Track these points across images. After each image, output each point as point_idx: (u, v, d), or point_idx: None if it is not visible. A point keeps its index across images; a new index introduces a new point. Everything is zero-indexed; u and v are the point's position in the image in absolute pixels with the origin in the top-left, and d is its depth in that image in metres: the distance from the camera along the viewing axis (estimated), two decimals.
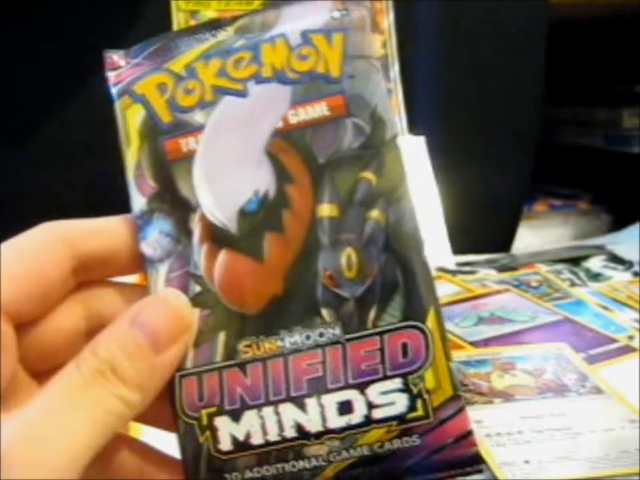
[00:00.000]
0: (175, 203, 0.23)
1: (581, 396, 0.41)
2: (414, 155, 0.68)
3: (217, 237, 0.23)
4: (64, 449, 0.19)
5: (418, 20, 0.70)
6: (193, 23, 0.64)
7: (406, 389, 0.22)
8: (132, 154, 0.24)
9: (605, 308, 0.55)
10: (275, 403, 0.23)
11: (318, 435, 0.22)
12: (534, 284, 0.60)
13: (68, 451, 0.19)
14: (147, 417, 0.23)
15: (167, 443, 0.24)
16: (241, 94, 0.23)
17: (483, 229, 0.71)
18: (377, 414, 0.22)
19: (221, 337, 0.23)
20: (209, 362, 0.23)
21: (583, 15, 0.80)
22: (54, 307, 0.23)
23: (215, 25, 0.24)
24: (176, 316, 0.22)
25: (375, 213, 0.23)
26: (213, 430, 0.23)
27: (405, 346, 0.23)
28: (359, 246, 0.23)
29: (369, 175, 0.23)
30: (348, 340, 0.23)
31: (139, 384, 0.21)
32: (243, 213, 0.23)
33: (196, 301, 0.23)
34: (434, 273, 0.62)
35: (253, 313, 0.23)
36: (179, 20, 0.64)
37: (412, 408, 0.22)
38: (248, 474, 0.23)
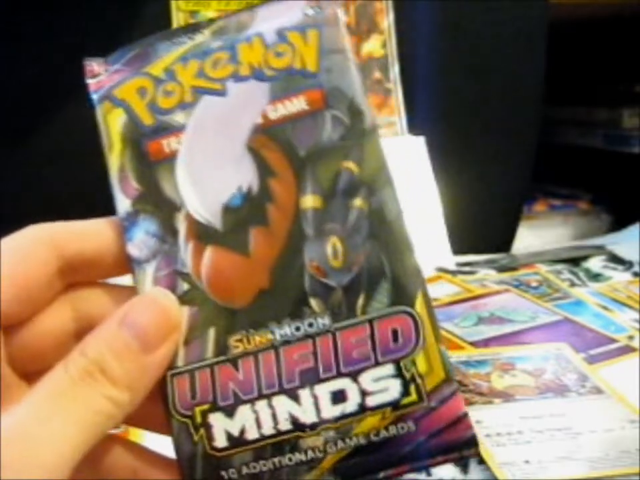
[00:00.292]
0: (159, 203, 0.24)
1: (581, 396, 0.41)
2: (414, 155, 0.68)
3: (202, 234, 0.23)
4: (52, 450, 0.19)
5: (418, 20, 0.70)
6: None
7: (398, 374, 0.22)
8: (115, 157, 0.24)
9: (605, 308, 0.55)
10: (268, 396, 0.23)
11: (313, 426, 0.22)
12: (534, 284, 0.60)
13: (56, 453, 0.19)
14: (137, 418, 0.23)
15: (164, 445, 0.24)
16: (220, 93, 0.24)
17: (483, 229, 0.71)
18: (371, 401, 0.22)
19: (211, 333, 0.23)
20: (200, 359, 0.23)
21: (583, 15, 0.80)
22: (42, 308, 0.23)
23: (192, 29, 0.25)
24: (164, 315, 0.22)
25: (358, 202, 0.23)
26: (207, 427, 0.23)
27: (395, 331, 0.23)
28: (344, 235, 0.23)
29: (350, 164, 0.23)
30: (338, 329, 0.23)
31: (128, 384, 0.21)
32: (227, 209, 0.23)
33: (184, 298, 0.23)
34: (434, 273, 0.62)
35: (241, 307, 0.23)
36: (178, 20, 0.64)
37: (405, 393, 0.22)
38: (245, 470, 0.22)
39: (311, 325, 0.23)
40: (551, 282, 0.60)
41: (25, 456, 0.19)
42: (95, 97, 0.24)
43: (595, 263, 0.66)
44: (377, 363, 0.23)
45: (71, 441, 0.20)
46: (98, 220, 0.24)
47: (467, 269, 0.65)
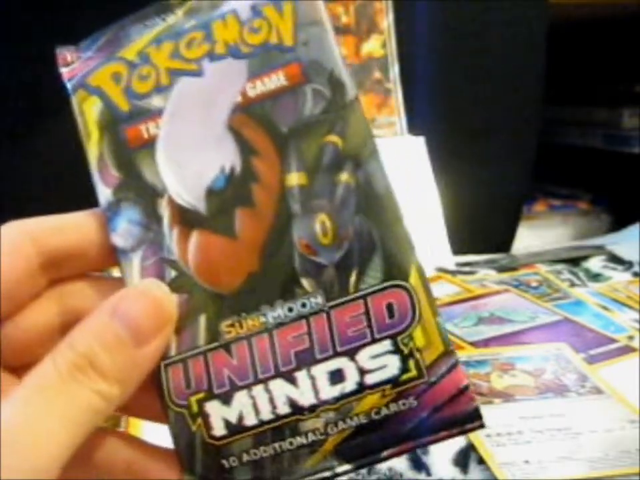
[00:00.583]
0: (141, 191, 0.23)
1: (581, 396, 0.41)
2: (414, 155, 0.68)
3: (187, 219, 0.23)
4: (40, 450, 0.19)
5: (418, 20, 0.70)
6: None
7: (396, 350, 0.22)
8: (93, 146, 0.23)
9: (605, 308, 0.55)
10: (264, 381, 0.22)
11: (312, 408, 0.22)
12: (534, 284, 0.60)
13: (44, 453, 0.19)
14: (133, 408, 0.23)
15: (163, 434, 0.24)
16: (197, 73, 0.23)
17: (483, 229, 0.71)
18: (370, 379, 0.22)
19: (202, 320, 0.22)
20: (193, 347, 0.22)
21: (583, 15, 0.80)
22: (25, 304, 0.22)
23: (163, 9, 0.24)
24: (158, 307, 0.22)
25: (344, 176, 0.23)
26: (205, 416, 0.22)
27: (390, 306, 0.22)
28: (332, 211, 0.22)
29: (334, 138, 0.23)
30: (331, 307, 0.22)
31: (119, 378, 0.20)
32: (210, 192, 0.23)
33: (173, 286, 0.22)
34: (434, 273, 0.62)
35: (231, 291, 0.22)
36: None
37: (405, 369, 0.22)
38: (245, 457, 0.22)
39: (303, 305, 0.22)
40: (550, 282, 0.60)
41: (13, 457, 0.19)
42: (69, 85, 0.24)
43: (595, 263, 0.66)
44: (374, 340, 0.22)
45: (60, 440, 0.19)
46: (79, 212, 0.23)
47: (466, 269, 0.65)
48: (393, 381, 0.22)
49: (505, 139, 0.72)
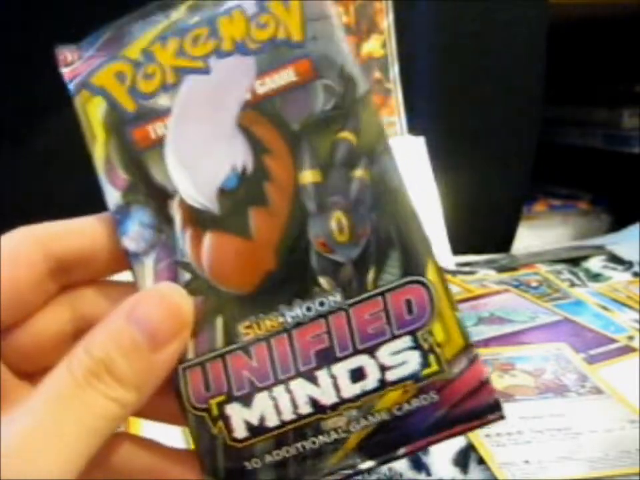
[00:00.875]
0: (151, 192, 0.23)
1: (581, 396, 0.41)
2: (414, 155, 0.68)
3: (199, 220, 0.22)
4: (56, 459, 0.19)
5: (418, 20, 0.70)
6: None
7: (416, 346, 0.22)
8: (99, 149, 0.23)
9: (605, 308, 0.55)
10: (285, 381, 0.22)
11: (334, 407, 0.22)
12: (534, 284, 0.60)
13: (60, 461, 0.19)
14: (146, 412, 0.22)
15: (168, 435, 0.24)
16: (204, 71, 0.23)
17: (483, 229, 0.71)
18: (391, 376, 0.22)
19: (219, 322, 0.22)
20: (211, 349, 0.22)
21: (583, 15, 0.80)
22: (35, 309, 0.22)
23: (165, 5, 0.23)
24: (175, 311, 0.21)
25: (358, 172, 0.22)
26: (225, 419, 0.22)
27: (409, 302, 0.22)
28: (348, 207, 0.22)
29: (346, 134, 0.22)
30: (350, 305, 0.22)
31: (135, 384, 0.20)
32: (222, 192, 0.22)
33: (188, 289, 0.22)
34: None
35: (248, 292, 0.22)
36: None
37: (425, 364, 0.22)
38: (268, 458, 0.22)
39: (322, 303, 0.22)
40: (550, 282, 0.60)
41: (28, 466, 0.19)
42: (71, 86, 0.23)
43: (595, 263, 0.66)
44: (394, 337, 0.22)
45: (76, 447, 0.19)
46: (88, 217, 0.23)
47: (466, 269, 0.65)
48: (414, 377, 0.22)
49: (505, 139, 0.72)
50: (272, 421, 0.22)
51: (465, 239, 0.68)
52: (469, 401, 0.22)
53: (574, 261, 0.66)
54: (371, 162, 0.22)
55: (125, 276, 0.23)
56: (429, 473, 0.35)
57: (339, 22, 0.23)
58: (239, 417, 0.22)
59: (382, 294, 0.22)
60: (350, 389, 0.22)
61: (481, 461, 0.35)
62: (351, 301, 0.22)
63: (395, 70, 0.70)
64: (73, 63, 0.23)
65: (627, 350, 0.47)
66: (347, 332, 0.22)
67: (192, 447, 0.22)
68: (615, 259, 0.67)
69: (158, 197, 0.22)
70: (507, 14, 0.70)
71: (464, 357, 0.22)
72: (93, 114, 0.23)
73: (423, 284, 0.22)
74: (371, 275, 0.22)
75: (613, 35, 0.88)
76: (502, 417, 0.22)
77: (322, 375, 0.22)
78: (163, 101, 0.23)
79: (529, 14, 0.70)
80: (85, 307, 0.23)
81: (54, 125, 0.60)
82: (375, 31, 0.70)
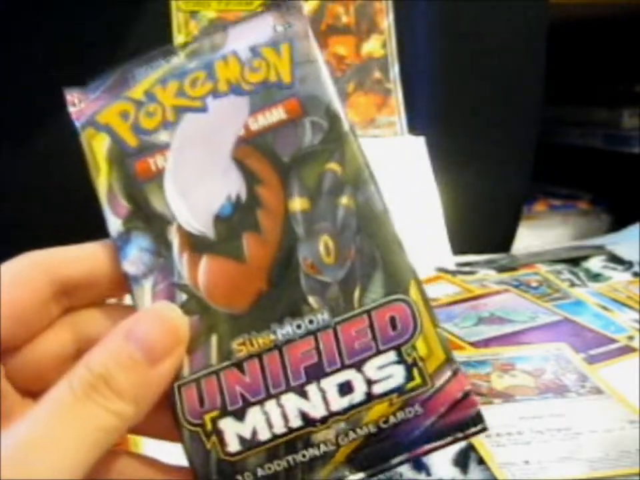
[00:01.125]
0: (150, 219, 0.24)
1: (581, 396, 0.41)
2: (414, 155, 0.68)
3: (196, 244, 0.24)
4: (54, 468, 0.19)
5: (418, 20, 0.70)
6: (192, 23, 0.64)
7: (401, 360, 0.23)
8: (102, 180, 0.25)
9: (605, 308, 0.55)
10: (276, 396, 0.23)
11: (323, 420, 0.23)
12: (534, 284, 0.60)
13: (58, 470, 0.19)
14: (143, 428, 0.23)
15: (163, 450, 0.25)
16: (201, 110, 0.25)
17: (483, 229, 0.71)
18: (377, 389, 0.23)
19: (214, 339, 0.23)
20: (205, 366, 0.23)
21: (583, 15, 0.80)
22: (39, 331, 0.23)
23: (166, 52, 0.26)
24: (170, 328, 0.22)
25: (344, 200, 0.24)
26: (219, 433, 0.23)
27: (393, 319, 0.23)
28: (334, 232, 0.24)
29: (333, 165, 0.24)
30: (338, 323, 0.23)
31: (134, 397, 0.21)
32: (218, 218, 0.24)
33: (184, 308, 0.23)
34: (434, 273, 0.62)
35: (242, 311, 0.24)
36: (178, 20, 0.64)
37: (409, 377, 0.23)
38: (260, 472, 0.23)
39: (311, 321, 0.23)
40: (550, 282, 0.60)
41: (27, 475, 0.19)
42: (77, 124, 0.25)
43: (595, 263, 0.66)
44: (379, 352, 0.23)
45: (75, 460, 0.20)
46: (90, 243, 0.24)
47: (466, 269, 0.65)
48: (399, 390, 0.23)
49: (505, 139, 0.72)
50: (264, 435, 0.23)
51: (465, 239, 0.68)
52: (452, 413, 0.23)
53: (574, 261, 0.66)
54: (355, 190, 0.24)
55: (128, 301, 0.24)
56: (428, 473, 0.35)
57: (325, 64, 0.25)
58: (232, 431, 0.23)
59: (367, 312, 0.23)
60: (338, 402, 0.23)
61: (481, 461, 0.35)
62: (338, 318, 0.23)
63: (395, 70, 0.70)
64: (80, 103, 0.25)
65: (627, 350, 0.47)
66: (335, 348, 0.23)
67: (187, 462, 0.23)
68: (615, 259, 0.67)
69: (157, 223, 0.24)
70: (507, 14, 0.70)
71: (446, 370, 0.23)
72: (98, 149, 0.25)
73: (406, 302, 0.23)
74: (356, 294, 0.24)
75: (613, 35, 0.88)
76: (484, 429, 0.23)
77: (312, 389, 0.23)
78: (163, 136, 0.25)
79: (529, 14, 0.70)
80: (87, 329, 0.24)
81: (54, 125, 0.60)
82: (375, 31, 0.70)
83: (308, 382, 0.23)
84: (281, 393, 0.23)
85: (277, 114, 0.25)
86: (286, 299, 0.24)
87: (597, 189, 0.92)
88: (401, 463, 0.23)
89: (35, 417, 0.20)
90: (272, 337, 0.23)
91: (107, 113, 0.25)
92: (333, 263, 0.24)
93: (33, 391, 0.23)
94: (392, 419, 0.23)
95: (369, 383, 0.23)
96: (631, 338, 0.49)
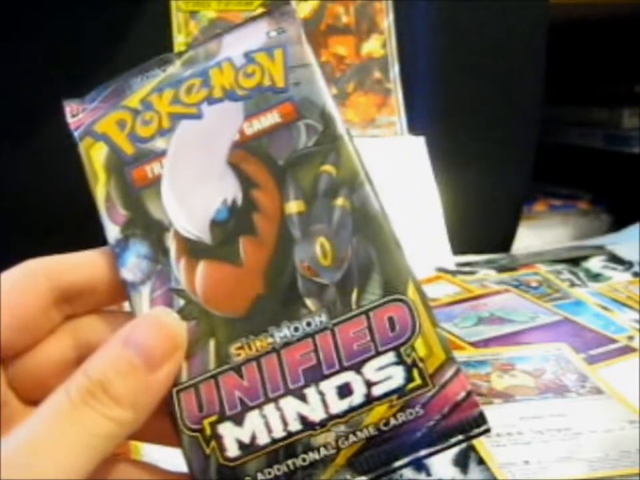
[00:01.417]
0: (148, 226, 0.24)
1: (581, 396, 0.41)
2: (414, 155, 0.68)
3: (193, 250, 0.24)
4: (53, 473, 0.19)
5: (418, 20, 0.70)
6: (192, 23, 0.64)
7: (400, 361, 0.23)
8: (100, 188, 0.25)
9: (605, 308, 0.55)
10: (275, 399, 0.23)
11: (323, 423, 0.23)
12: (534, 284, 0.60)
13: (58, 476, 0.19)
14: (143, 435, 0.23)
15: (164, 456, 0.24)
16: (196, 116, 0.25)
17: (483, 229, 0.71)
18: (377, 390, 0.23)
19: (211, 344, 0.23)
20: (203, 371, 0.23)
21: (583, 15, 0.80)
22: (40, 338, 0.23)
23: (162, 61, 0.26)
24: (168, 334, 0.22)
25: (340, 201, 0.24)
26: (218, 438, 0.23)
27: (391, 320, 0.23)
28: (330, 234, 0.24)
29: (328, 167, 0.24)
30: (335, 324, 0.23)
31: (132, 403, 0.21)
32: (214, 223, 0.24)
33: (182, 314, 0.23)
34: (434, 273, 0.62)
35: (239, 315, 0.23)
36: (178, 20, 0.64)
37: (409, 378, 0.23)
38: (260, 477, 0.23)
39: (309, 324, 0.23)
40: (550, 282, 0.60)
41: (27, 477, 0.19)
42: (76, 134, 0.25)
43: (595, 263, 0.66)
44: (378, 353, 0.23)
45: (73, 464, 0.20)
46: (89, 251, 0.25)
47: (466, 269, 0.65)
48: (399, 391, 0.23)
49: (504, 138, 0.72)
50: (263, 439, 0.23)
51: (465, 239, 0.68)
52: (453, 414, 0.23)
53: (574, 261, 0.66)
54: (351, 192, 0.24)
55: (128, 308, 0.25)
56: (429, 473, 0.35)
57: (318, 68, 0.25)
58: (231, 436, 0.23)
59: (365, 313, 0.23)
60: (338, 405, 0.23)
61: (481, 462, 0.35)
62: (336, 320, 0.23)
63: (395, 70, 0.70)
64: (78, 114, 0.26)
65: (627, 350, 0.47)
66: (333, 350, 0.23)
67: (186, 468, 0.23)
68: (615, 259, 0.67)
69: (154, 230, 0.24)
70: (507, 14, 0.70)
71: (446, 371, 0.23)
72: (95, 157, 0.25)
73: (404, 302, 0.23)
74: (354, 296, 0.23)
75: (613, 34, 0.88)
76: (487, 430, 0.23)
77: (310, 392, 0.23)
78: (159, 143, 0.25)
79: (529, 14, 0.70)
80: (87, 335, 0.24)
81: (54, 125, 0.60)
82: (375, 30, 0.70)
83: (306, 385, 0.23)
84: (280, 396, 0.23)
85: (271, 118, 0.25)
86: (283, 302, 0.23)
87: (597, 189, 0.92)
88: (403, 466, 0.23)
89: (33, 423, 0.20)
90: (270, 340, 0.23)
91: (104, 122, 0.25)
92: (330, 264, 0.24)
93: (34, 398, 0.23)
94: (392, 421, 0.23)
95: (369, 384, 0.23)
96: (630, 338, 0.49)
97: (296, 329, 0.23)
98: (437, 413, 0.23)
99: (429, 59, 0.71)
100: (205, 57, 0.26)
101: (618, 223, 0.83)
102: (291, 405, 0.23)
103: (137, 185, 0.25)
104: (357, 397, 0.23)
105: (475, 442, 0.36)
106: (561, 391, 0.41)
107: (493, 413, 0.39)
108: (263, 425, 0.23)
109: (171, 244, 0.24)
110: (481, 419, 0.23)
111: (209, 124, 0.25)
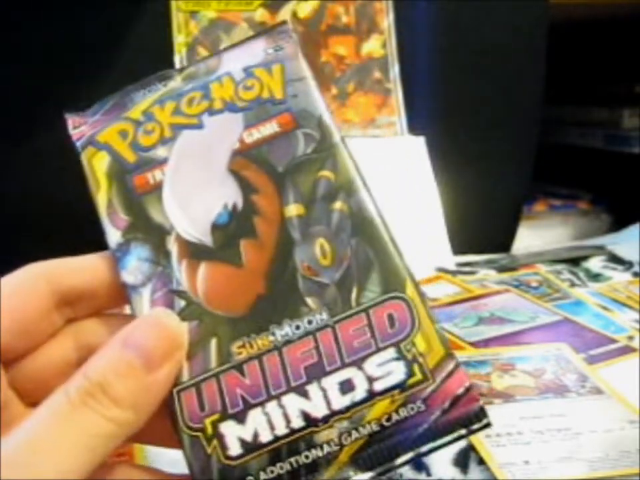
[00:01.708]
0: (149, 230, 0.25)
1: (581, 396, 0.41)
2: (414, 155, 0.68)
3: (194, 252, 0.24)
4: (52, 473, 0.19)
5: (418, 20, 0.70)
6: (192, 23, 0.64)
7: (400, 357, 0.23)
8: (102, 195, 0.25)
9: (605, 308, 0.55)
10: (277, 397, 0.23)
11: (325, 419, 0.23)
12: (534, 284, 0.60)
13: (57, 475, 0.19)
14: (144, 436, 0.23)
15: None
16: (197, 126, 0.26)
17: (483, 229, 0.71)
18: (378, 386, 0.23)
19: (213, 343, 0.23)
20: (205, 370, 0.23)
21: (583, 15, 0.80)
22: (42, 341, 0.24)
23: (163, 77, 0.27)
24: (167, 334, 0.23)
25: (338, 205, 0.25)
26: (220, 437, 0.23)
27: (390, 317, 0.24)
28: (329, 235, 0.24)
29: (326, 173, 0.25)
30: (336, 322, 0.24)
31: (132, 404, 0.21)
32: (215, 227, 0.25)
33: (183, 315, 0.24)
34: (434, 273, 0.62)
35: (241, 315, 0.24)
36: (178, 20, 0.64)
37: (410, 373, 0.23)
38: (263, 475, 0.23)
39: (310, 322, 0.24)
40: (551, 282, 0.60)
41: (27, 477, 0.19)
42: (78, 144, 0.26)
43: (595, 263, 0.66)
44: (379, 349, 0.23)
45: (73, 465, 0.20)
46: (91, 255, 0.25)
47: (467, 269, 0.65)
48: (400, 386, 0.23)
49: (504, 138, 0.72)
50: (265, 437, 0.23)
51: (465, 239, 0.68)
52: (454, 409, 0.23)
53: (574, 261, 0.66)
54: (348, 195, 0.25)
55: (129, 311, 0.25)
56: (429, 473, 0.35)
57: (314, 81, 0.26)
58: (233, 435, 0.23)
59: (365, 310, 0.24)
60: (340, 401, 0.23)
61: (481, 462, 0.35)
62: (337, 318, 0.24)
63: (395, 70, 0.70)
64: (80, 126, 0.26)
65: (627, 350, 0.47)
66: (335, 347, 0.23)
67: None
68: (615, 259, 0.67)
69: (156, 234, 0.25)
70: (507, 14, 0.70)
71: (446, 366, 0.23)
72: (98, 166, 0.26)
73: (403, 299, 0.24)
74: (354, 294, 0.24)
75: (613, 34, 0.88)
76: (488, 425, 0.23)
77: (312, 388, 0.23)
78: (160, 152, 0.26)
79: (529, 14, 0.70)
80: (88, 338, 0.24)
81: (54, 125, 0.60)
82: (375, 30, 0.70)
83: (308, 382, 0.23)
84: (282, 393, 0.23)
85: (270, 127, 0.26)
86: (284, 301, 0.24)
87: (597, 189, 0.92)
88: (406, 462, 0.23)
89: (32, 423, 0.20)
90: (271, 338, 0.23)
91: (106, 132, 0.26)
92: (330, 264, 0.24)
93: (35, 400, 0.23)
94: (394, 417, 0.23)
95: (370, 380, 0.23)
96: (631, 338, 0.49)
97: (297, 327, 0.24)
98: (438, 408, 0.23)
99: (429, 58, 0.71)
100: (205, 72, 0.27)
101: (618, 223, 0.83)
102: (293, 402, 0.23)
103: (138, 191, 0.25)
104: (359, 393, 0.23)
105: (475, 442, 0.36)
106: (561, 390, 0.41)
107: (493, 413, 0.39)
108: (265, 423, 0.23)
109: (173, 247, 0.25)
110: (481, 413, 0.23)
111: (209, 133, 0.26)
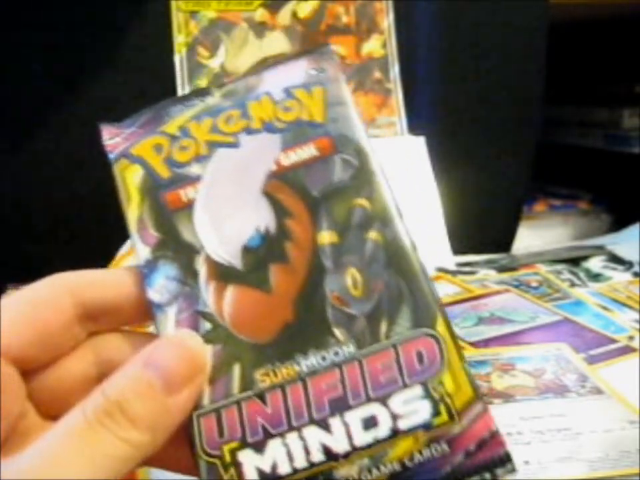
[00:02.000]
0: (178, 248, 0.24)
1: (581, 396, 0.41)
2: (414, 155, 0.68)
3: (223, 274, 0.24)
4: None
5: (418, 20, 0.70)
6: (192, 23, 0.64)
7: (427, 396, 0.23)
8: (133, 210, 0.25)
9: (605, 308, 0.55)
10: (298, 428, 0.22)
11: (346, 455, 0.22)
12: (534, 284, 0.60)
13: None
14: (160, 460, 0.23)
15: None
16: (234, 145, 0.25)
17: (483, 229, 0.71)
18: (403, 424, 0.22)
19: (236, 369, 0.23)
20: (226, 396, 0.23)
21: (583, 15, 0.80)
22: (62, 353, 0.23)
23: (203, 92, 0.26)
24: (190, 357, 0.22)
25: (372, 234, 0.24)
26: (237, 466, 0.22)
27: (419, 354, 0.23)
28: (362, 265, 0.24)
29: (362, 201, 0.25)
30: (363, 355, 0.23)
31: (149, 425, 0.20)
32: (246, 249, 0.24)
33: (207, 337, 0.23)
34: (434, 273, 0.62)
35: (267, 342, 0.23)
36: (178, 20, 0.64)
37: (436, 413, 0.22)
38: None
39: (336, 353, 0.23)
40: (551, 282, 0.60)
41: None
42: (111, 156, 0.25)
43: (595, 263, 0.66)
44: (405, 386, 0.23)
45: None
46: (117, 269, 0.25)
47: (467, 269, 0.65)
48: (426, 426, 0.22)
49: (505, 139, 0.72)
50: (284, 469, 0.22)
51: (465, 239, 0.68)
52: (479, 453, 0.22)
53: (574, 261, 0.66)
54: (383, 225, 0.24)
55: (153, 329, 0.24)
56: None
57: (354, 106, 0.26)
58: (252, 464, 0.22)
59: (394, 345, 0.23)
60: (362, 437, 0.22)
61: None
62: (364, 351, 0.23)
63: (395, 70, 0.70)
64: (115, 137, 0.26)
65: (627, 350, 0.47)
66: (360, 381, 0.23)
67: None
68: (615, 259, 0.67)
69: (185, 253, 0.24)
70: (507, 14, 0.70)
71: (473, 408, 0.23)
72: (130, 179, 0.25)
73: (433, 336, 0.23)
74: (383, 327, 0.23)
75: (613, 34, 0.88)
76: (513, 469, 0.22)
77: (335, 422, 0.22)
78: (195, 169, 0.25)
79: (529, 14, 0.70)
80: (109, 353, 0.24)
81: (54, 125, 0.60)
82: (375, 30, 0.70)
83: (331, 415, 0.22)
84: (303, 425, 0.22)
85: (308, 151, 0.25)
86: (311, 330, 0.23)
87: (597, 189, 0.92)
88: None
89: (48, 440, 0.20)
90: (296, 367, 0.23)
91: (141, 146, 0.25)
92: (360, 295, 0.24)
93: (53, 412, 0.23)
94: (417, 457, 0.22)
95: (394, 417, 0.22)
96: (631, 338, 0.49)
97: (323, 358, 0.23)
98: (463, 451, 0.22)
99: (429, 59, 0.71)
100: (245, 90, 0.26)
101: (618, 223, 0.83)
102: (314, 435, 0.22)
103: (169, 207, 0.25)
104: (383, 430, 0.22)
105: None
106: (561, 391, 0.41)
107: (493, 413, 0.39)
108: (284, 454, 0.22)
109: (201, 267, 0.24)
110: (507, 458, 0.22)
111: (245, 153, 0.25)
